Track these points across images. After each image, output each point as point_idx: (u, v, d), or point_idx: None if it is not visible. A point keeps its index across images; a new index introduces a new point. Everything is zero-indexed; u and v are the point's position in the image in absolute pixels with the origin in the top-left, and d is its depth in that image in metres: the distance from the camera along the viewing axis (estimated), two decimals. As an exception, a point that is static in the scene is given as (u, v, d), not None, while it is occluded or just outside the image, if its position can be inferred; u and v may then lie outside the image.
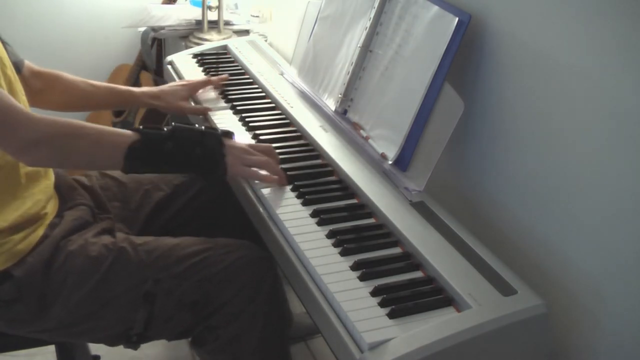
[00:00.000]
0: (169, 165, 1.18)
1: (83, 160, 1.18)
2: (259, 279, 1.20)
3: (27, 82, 1.35)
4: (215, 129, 1.24)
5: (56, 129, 1.10)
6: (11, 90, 1.17)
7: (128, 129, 1.16)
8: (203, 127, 1.21)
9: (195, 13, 2.22)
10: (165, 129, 1.17)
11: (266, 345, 1.22)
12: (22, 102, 1.20)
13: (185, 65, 1.79)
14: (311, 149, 1.38)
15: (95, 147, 1.14)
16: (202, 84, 1.62)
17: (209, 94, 1.63)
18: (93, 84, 1.47)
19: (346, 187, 1.25)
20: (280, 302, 1.24)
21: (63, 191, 1.31)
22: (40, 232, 1.20)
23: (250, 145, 1.25)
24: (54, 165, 1.26)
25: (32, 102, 1.30)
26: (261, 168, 1.22)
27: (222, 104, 1.58)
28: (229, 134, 1.24)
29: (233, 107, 1.56)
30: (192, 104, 1.59)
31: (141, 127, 1.17)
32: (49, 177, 1.27)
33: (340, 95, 1.45)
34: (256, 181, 1.24)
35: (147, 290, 1.17)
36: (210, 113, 1.52)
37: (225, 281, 1.19)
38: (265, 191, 1.22)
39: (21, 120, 1.07)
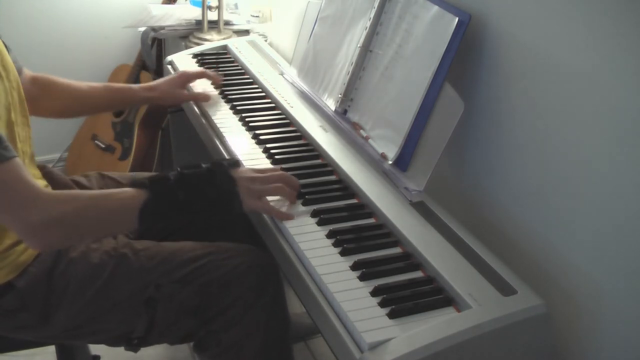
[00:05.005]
0: (183, 214, 1.13)
1: (95, 234, 1.14)
2: (261, 283, 1.20)
3: (25, 89, 1.26)
4: (221, 161, 1.17)
5: (65, 206, 1.03)
6: (14, 111, 1.14)
7: (135, 183, 1.10)
8: (209, 164, 1.14)
9: (195, 13, 2.22)
10: (171, 177, 1.10)
11: (268, 350, 1.21)
12: (21, 128, 1.17)
13: (185, 65, 1.79)
14: (311, 149, 1.38)
15: (107, 218, 1.09)
16: (196, 75, 1.62)
17: (209, 92, 1.63)
18: (88, 84, 1.44)
19: (346, 187, 1.25)
20: (283, 306, 1.23)
21: None
22: None
23: (260, 170, 1.18)
24: (66, 246, 1.18)
25: (30, 110, 1.24)
26: (274, 195, 1.17)
27: (222, 104, 1.59)
28: (237, 164, 1.18)
29: (233, 107, 1.56)
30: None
31: (147, 181, 1.10)
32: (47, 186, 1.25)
33: (340, 95, 1.45)
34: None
35: (149, 295, 1.17)
36: (209, 113, 1.52)
37: (227, 286, 1.18)
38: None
39: (29, 201, 1.00)
